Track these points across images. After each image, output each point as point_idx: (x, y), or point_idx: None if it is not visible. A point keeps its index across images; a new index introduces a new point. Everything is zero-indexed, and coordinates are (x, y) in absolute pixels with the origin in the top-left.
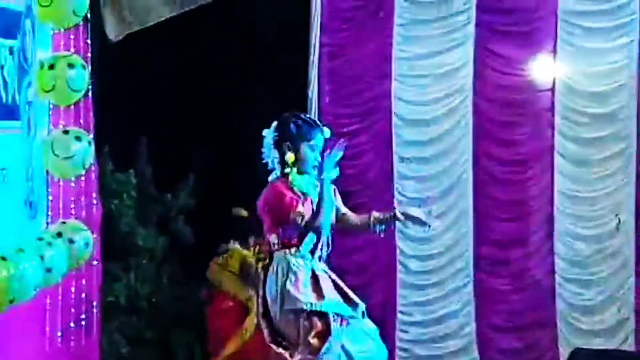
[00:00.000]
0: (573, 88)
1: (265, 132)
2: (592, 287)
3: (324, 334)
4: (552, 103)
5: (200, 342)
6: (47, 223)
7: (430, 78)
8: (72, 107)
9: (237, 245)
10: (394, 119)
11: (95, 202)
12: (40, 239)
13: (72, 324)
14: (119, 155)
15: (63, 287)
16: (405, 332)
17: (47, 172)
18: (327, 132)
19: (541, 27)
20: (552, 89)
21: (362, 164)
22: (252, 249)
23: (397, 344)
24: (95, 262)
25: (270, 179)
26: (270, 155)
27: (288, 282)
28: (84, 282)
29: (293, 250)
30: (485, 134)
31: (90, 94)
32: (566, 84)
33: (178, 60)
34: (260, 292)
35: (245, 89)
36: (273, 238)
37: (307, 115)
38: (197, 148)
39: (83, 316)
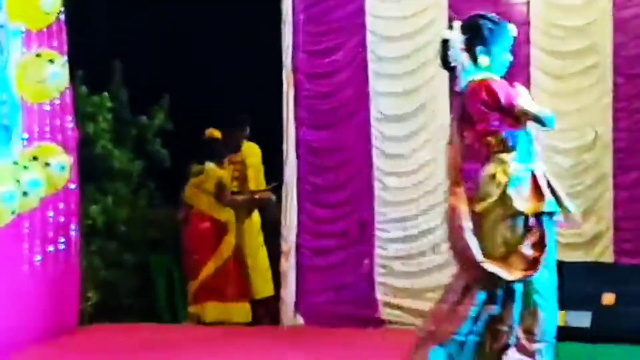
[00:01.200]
0: (548, 1)
1: (448, 34)
2: (571, 199)
3: (540, 245)
4: (528, 16)
5: (179, 266)
6: (23, 147)
7: None
8: (45, 30)
9: (212, 165)
10: (368, 35)
11: (70, 125)
12: (16, 163)
13: (50, 248)
14: (93, 79)
15: (41, 212)
16: (384, 249)
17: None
18: (514, 30)
19: None
20: (528, 2)
21: (337, 82)
22: (227, 169)
23: (376, 260)
24: (72, 186)
25: (470, 79)
26: (459, 58)
27: (510, 187)
28: (61, 206)
29: (512, 154)
30: None
31: (63, 16)
32: None
33: None
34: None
35: (219, 10)
36: (491, 140)
37: (492, 14)
38: (171, 70)
39: (62, 240)
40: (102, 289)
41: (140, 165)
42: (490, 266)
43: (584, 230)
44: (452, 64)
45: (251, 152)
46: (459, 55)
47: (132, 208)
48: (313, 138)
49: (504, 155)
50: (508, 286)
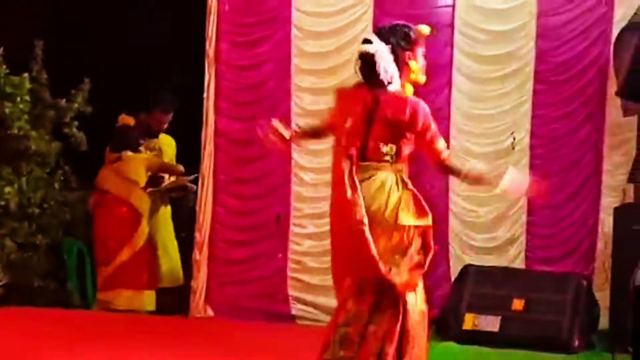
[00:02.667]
0: (473, 4)
1: (373, 47)
2: (486, 204)
3: (424, 249)
4: (452, 19)
5: (91, 249)
6: None
7: None
8: None
9: (129, 152)
10: (294, 30)
11: None
12: None
13: None
14: (13, 58)
15: None
16: (299, 244)
17: None
18: (427, 29)
19: None
20: (453, 5)
21: (262, 74)
22: (145, 154)
23: (290, 255)
24: None
25: (394, 89)
26: (390, 69)
27: (404, 198)
28: None
29: (402, 166)
30: None
31: None
32: (467, 0)
33: None
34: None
35: None
36: (388, 149)
37: (402, 22)
38: (93, 53)
39: None
40: (13, 270)
41: (57, 147)
42: (383, 266)
43: (497, 235)
44: (381, 77)
45: (167, 142)
46: (390, 66)
47: (47, 190)
48: (232, 129)
49: (399, 165)
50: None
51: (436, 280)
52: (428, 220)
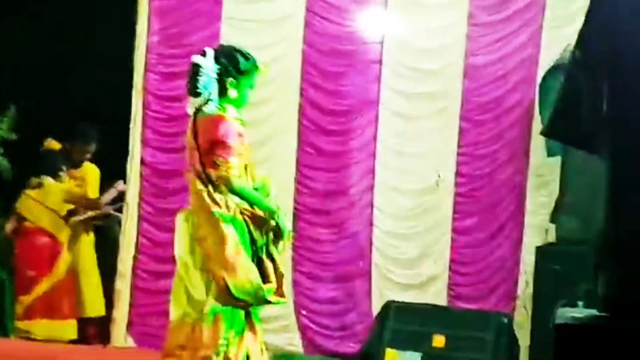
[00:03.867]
0: (402, 42)
1: (202, 60)
2: (409, 240)
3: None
4: (381, 56)
5: (11, 277)
6: None
7: (260, 23)
8: None
9: (50, 180)
10: None
11: None
12: None
13: None
14: None
15: None
16: None
17: None
18: (265, 68)
19: None
20: (382, 42)
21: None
22: (66, 183)
23: None
24: None
25: (208, 110)
26: (208, 86)
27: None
28: None
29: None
30: (312, 83)
31: None
32: (395, 37)
33: None
34: None
35: (72, 21)
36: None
37: (246, 50)
38: (18, 80)
39: None
40: None
41: None
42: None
43: (420, 272)
44: (199, 90)
45: (91, 170)
46: (210, 83)
47: None
48: (158, 160)
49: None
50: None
51: (359, 315)
52: None
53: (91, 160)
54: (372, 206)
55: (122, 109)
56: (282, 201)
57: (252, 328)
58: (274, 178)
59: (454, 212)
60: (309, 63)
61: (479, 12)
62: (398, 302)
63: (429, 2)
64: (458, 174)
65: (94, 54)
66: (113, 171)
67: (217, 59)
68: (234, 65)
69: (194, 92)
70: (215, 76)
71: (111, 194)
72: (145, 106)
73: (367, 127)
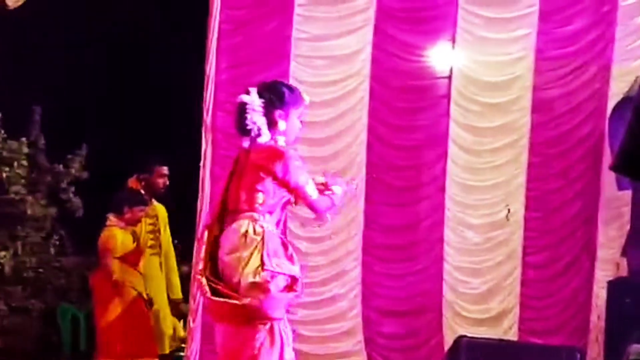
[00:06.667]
0: (469, 76)
1: (247, 98)
2: (479, 275)
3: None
4: (449, 90)
5: (86, 314)
6: None
7: (329, 60)
8: None
9: (112, 218)
10: None
11: None
12: None
13: None
14: (12, 123)
15: None
16: (293, 313)
17: None
18: (308, 98)
19: (441, 14)
20: (449, 77)
21: None
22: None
23: None
24: None
25: (263, 140)
26: (257, 121)
27: (266, 247)
28: None
29: (267, 217)
30: (380, 118)
31: None
32: (463, 72)
33: (75, 30)
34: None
35: (142, 63)
36: (257, 197)
37: (288, 83)
38: (91, 119)
39: None
40: (6, 335)
41: (53, 212)
42: None
43: (491, 306)
44: (249, 127)
45: (161, 210)
46: (258, 118)
47: (42, 255)
48: None
49: (256, 215)
50: None
51: (430, 350)
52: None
53: (160, 198)
54: (442, 241)
55: (192, 146)
56: (351, 235)
57: None
58: (344, 214)
59: (525, 246)
60: (377, 99)
61: (547, 46)
62: (469, 337)
63: (496, 36)
64: (528, 207)
65: (161, 95)
66: (182, 209)
67: (260, 94)
68: (278, 97)
69: (243, 130)
70: (261, 110)
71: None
72: (215, 144)
73: (436, 162)
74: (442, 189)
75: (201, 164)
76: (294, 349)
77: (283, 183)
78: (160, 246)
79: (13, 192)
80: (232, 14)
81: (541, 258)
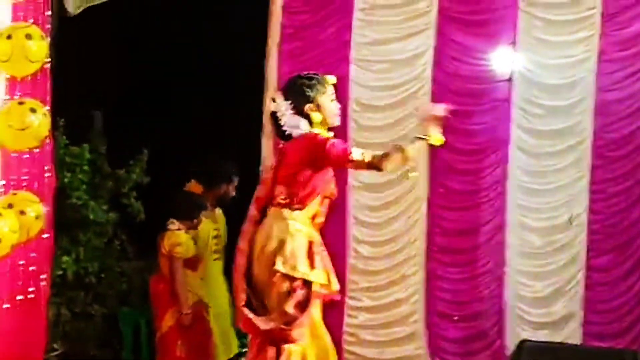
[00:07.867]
0: (531, 80)
1: (274, 106)
2: (542, 279)
3: (303, 305)
4: (509, 94)
5: (147, 319)
6: None
7: (389, 64)
8: (29, 78)
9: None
10: (351, 104)
11: (48, 174)
12: None
13: (19, 297)
14: (74, 129)
15: (12, 259)
16: (354, 317)
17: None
18: (333, 78)
19: (502, 17)
20: (510, 80)
21: None
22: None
23: (345, 328)
24: (45, 236)
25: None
26: (294, 122)
27: (287, 244)
28: (33, 254)
29: (296, 212)
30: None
31: (48, 65)
32: (524, 75)
33: (137, 35)
34: (246, 248)
35: (202, 67)
36: (279, 191)
37: (306, 73)
38: (152, 124)
39: (31, 289)
40: (68, 340)
41: (115, 217)
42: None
43: (554, 310)
44: (288, 132)
45: (221, 217)
46: (292, 119)
47: (104, 260)
48: None
49: (285, 212)
50: None
51: (492, 354)
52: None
53: (220, 204)
54: (503, 244)
55: (252, 153)
56: (413, 239)
57: None
58: (405, 218)
59: (588, 249)
60: (438, 102)
61: (610, 48)
62: (532, 341)
63: (558, 38)
64: (591, 210)
65: (222, 99)
66: (242, 216)
67: (285, 96)
68: (300, 93)
69: (283, 136)
70: (291, 111)
71: None
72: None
73: (497, 166)
74: (503, 193)
75: (260, 168)
76: (355, 353)
77: (323, 158)
78: (223, 251)
79: (75, 197)
80: (292, 19)
81: (605, 261)
